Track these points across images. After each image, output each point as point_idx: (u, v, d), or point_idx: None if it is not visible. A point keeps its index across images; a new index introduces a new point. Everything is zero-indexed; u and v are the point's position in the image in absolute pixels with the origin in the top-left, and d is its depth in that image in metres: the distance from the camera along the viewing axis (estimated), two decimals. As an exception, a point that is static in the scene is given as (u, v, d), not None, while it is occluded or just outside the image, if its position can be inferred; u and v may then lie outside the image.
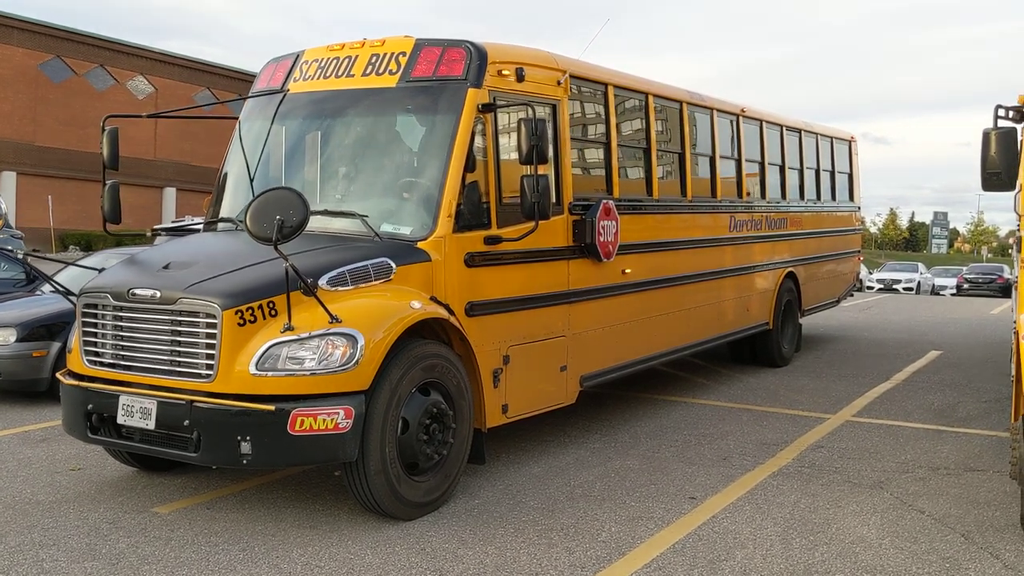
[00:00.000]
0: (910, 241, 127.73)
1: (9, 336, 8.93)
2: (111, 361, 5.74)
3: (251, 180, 6.94)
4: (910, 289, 38.10)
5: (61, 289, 6.50)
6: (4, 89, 42.22)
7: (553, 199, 6.88)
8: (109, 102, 44.41)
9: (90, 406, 5.73)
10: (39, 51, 43.77)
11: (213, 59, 56.79)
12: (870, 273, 40.67)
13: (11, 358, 8.87)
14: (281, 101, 7.06)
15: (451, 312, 6.04)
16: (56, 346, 8.93)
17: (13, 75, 42.48)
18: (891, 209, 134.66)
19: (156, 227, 7.37)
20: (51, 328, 9.03)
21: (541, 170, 6.27)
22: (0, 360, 8.86)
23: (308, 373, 5.24)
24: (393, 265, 5.83)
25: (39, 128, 43.11)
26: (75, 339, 5.99)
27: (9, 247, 9.37)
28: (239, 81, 48.60)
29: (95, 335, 5.82)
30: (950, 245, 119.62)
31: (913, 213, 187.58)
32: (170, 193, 48.67)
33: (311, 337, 5.28)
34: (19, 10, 45.25)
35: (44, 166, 42.37)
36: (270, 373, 5.24)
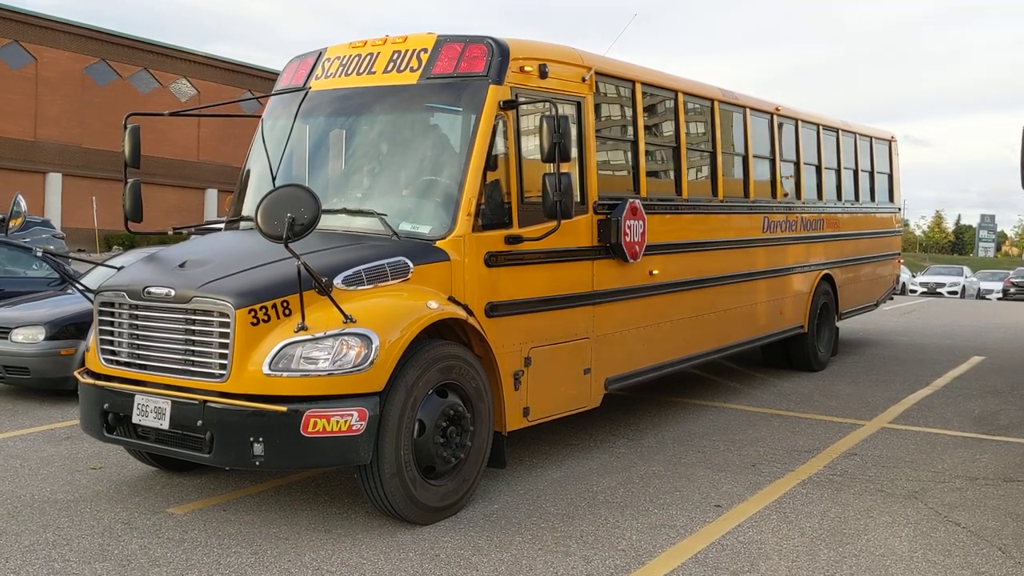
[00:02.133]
0: (956, 244, 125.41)
1: (38, 334, 8.99)
2: (127, 360, 5.70)
3: (273, 178, 6.86)
4: (955, 293, 37.28)
5: (81, 288, 6.50)
6: (52, 93, 42.98)
7: (577, 198, 6.73)
8: (153, 104, 44.97)
9: (106, 405, 5.69)
10: (85, 55, 44.51)
11: (259, 63, 57.29)
12: (913, 276, 39.91)
13: (40, 356, 8.93)
14: (303, 99, 6.99)
15: (470, 313, 5.92)
16: (84, 345, 8.96)
17: (60, 79, 43.24)
18: (936, 212, 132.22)
19: (177, 226, 7.32)
20: (80, 327, 9.05)
21: (564, 168, 6.13)
22: (29, 358, 8.93)
23: (322, 374, 5.15)
24: (411, 264, 5.73)
25: (86, 131, 43.79)
26: (93, 337, 5.97)
27: (34, 246, 9.40)
28: (280, 83, 48.93)
29: (111, 334, 5.79)
30: (998, 248, 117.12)
31: (959, 216, 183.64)
32: (212, 194, 49.23)
33: (325, 337, 5.19)
34: (72, 15, 46.11)
35: (90, 168, 43.03)
36: (284, 373, 5.16)
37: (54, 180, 42.61)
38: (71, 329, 9.09)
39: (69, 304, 9.57)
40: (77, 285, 6.57)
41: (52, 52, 43.03)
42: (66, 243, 26.84)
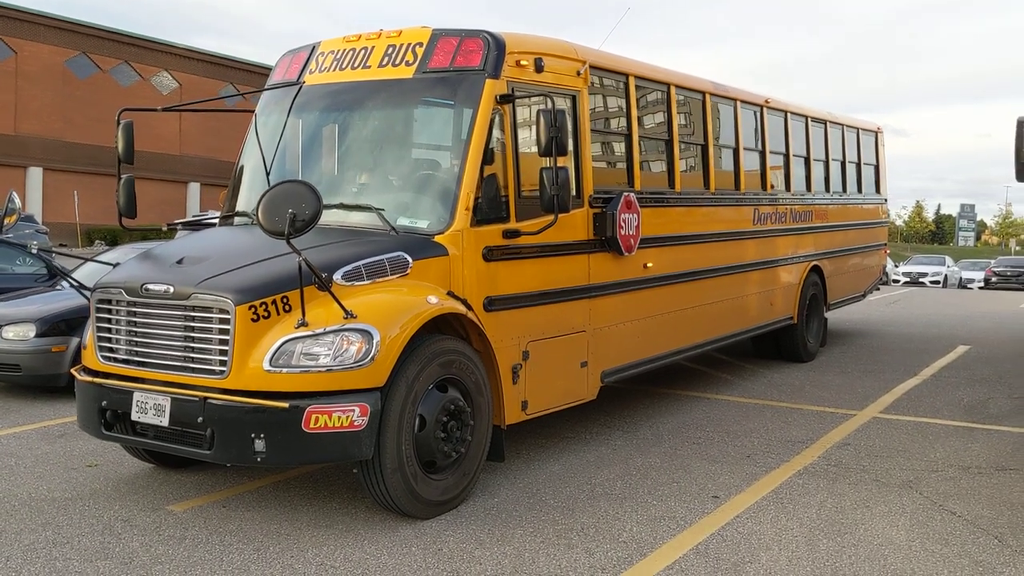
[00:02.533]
0: (936, 234, 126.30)
1: (29, 331, 8.93)
2: (125, 357, 5.67)
3: (267, 173, 6.84)
4: (937, 282, 37.57)
5: (75, 284, 6.46)
6: (33, 87, 42.57)
7: (573, 192, 6.76)
8: (135, 98, 44.67)
9: (104, 402, 5.66)
10: (66, 48, 44.09)
11: (241, 56, 56.97)
12: (896, 266, 40.19)
13: (31, 353, 8.87)
14: (297, 93, 6.96)
15: (469, 307, 5.93)
16: (76, 341, 8.88)
17: (41, 72, 42.83)
18: (917, 201, 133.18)
19: (171, 222, 7.27)
20: (71, 323, 8.99)
21: (560, 162, 6.13)
22: (20, 355, 8.86)
23: (323, 370, 5.15)
24: (409, 259, 5.73)
25: (67, 125, 43.40)
26: (90, 335, 5.93)
27: (29, 242, 9.33)
28: (262, 76, 48.54)
29: (109, 331, 5.75)
30: (977, 238, 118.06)
31: (939, 205, 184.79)
32: (194, 188, 48.95)
33: (326, 333, 5.18)
34: (64, 11, 45.67)
35: (72, 162, 42.68)
36: (284, 370, 5.15)
37: (35, 174, 42.24)
38: (62, 326, 9.03)
39: (59, 300, 9.51)
40: (72, 282, 6.52)
41: (33, 46, 42.61)
42: (49, 238, 26.66)
